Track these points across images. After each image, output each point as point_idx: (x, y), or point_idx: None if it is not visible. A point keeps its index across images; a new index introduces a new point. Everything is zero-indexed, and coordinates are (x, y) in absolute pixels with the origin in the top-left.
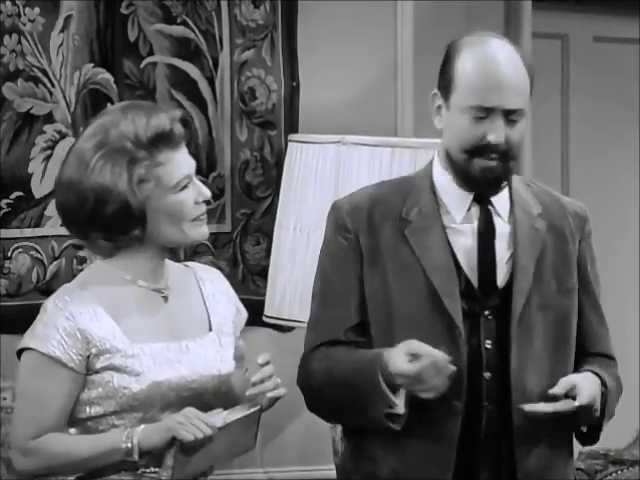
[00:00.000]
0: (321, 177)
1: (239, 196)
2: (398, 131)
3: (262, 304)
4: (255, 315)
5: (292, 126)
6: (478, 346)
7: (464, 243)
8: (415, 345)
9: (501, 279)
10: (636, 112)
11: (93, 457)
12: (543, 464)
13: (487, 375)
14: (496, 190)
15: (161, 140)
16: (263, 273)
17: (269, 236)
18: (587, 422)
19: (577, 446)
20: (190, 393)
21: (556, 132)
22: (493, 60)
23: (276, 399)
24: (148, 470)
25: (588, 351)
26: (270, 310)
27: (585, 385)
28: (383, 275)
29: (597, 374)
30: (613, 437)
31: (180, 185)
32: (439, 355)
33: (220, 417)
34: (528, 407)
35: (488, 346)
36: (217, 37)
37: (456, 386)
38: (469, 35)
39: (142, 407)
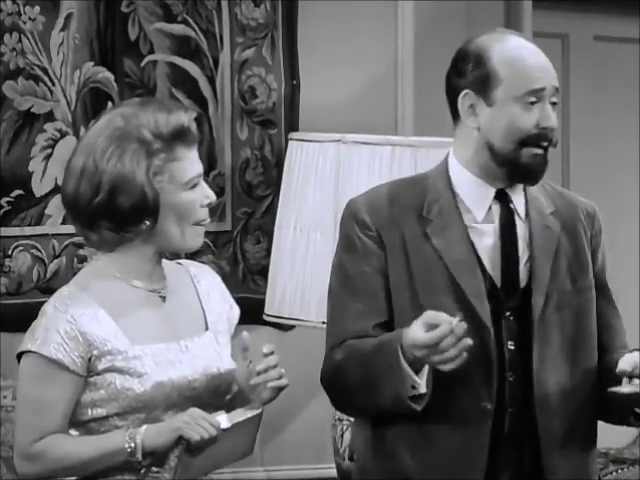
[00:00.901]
0: (321, 176)
1: (239, 195)
2: (398, 130)
3: (262, 303)
4: (255, 314)
5: (292, 125)
6: (502, 347)
7: (486, 242)
8: (431, 314)
9: (521, 279)
10: (636, 111)
11: (96, 458)
12: (569, 465)
13: (510, 377)
14: (537, 180)
15: (179, 136)
16: (263, 272)
17: (269, 235)
18: None
19: None
20: (192, 393)
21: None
22: (528, 47)
23: (280, 390)
24: (151, 471)
25: (610, 347)
26: (270, 309)
27: None
28: (408, 273)
29: None
30: (613, 436)
31: (191, 183)
32: (456, 323)
33: (224, 418)
34: (613, 389)
35: (511, 347)
36: (217, 36)
37: (486, 387)
38: (487, 34)
39: (145, 408)
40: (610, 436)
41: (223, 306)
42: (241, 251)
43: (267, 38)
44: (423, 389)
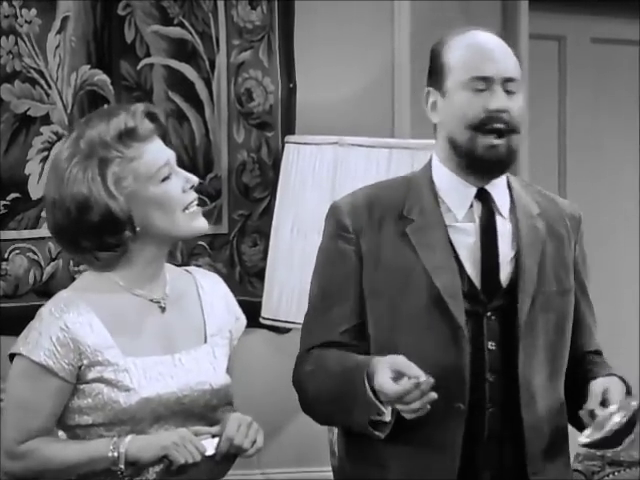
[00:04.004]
0: (318, 178)
1: (236, 197)
2: (395, 132)
3: (259, 305)
4: (252, 316)
5: (289, 127)
6: (481, 348)
7: (466, 242)
8: (400, 362)
9: (504, 279)
10: (634, 114)
11: (80, 463)
12: (552, 465)
13: (490, 377)
14: (502, 172)
15: (126, 136)
16: (260, 274)
17: (266, 237)
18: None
19: (573, 448)
20: (181, 407)
21: (553, 134)
22: (482, 38)
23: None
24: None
25: (584, 350)
26: (267, 312)
27: (615, 389)
28: (385, 274)
29: (619, 377)
30: None
31: (160, 175)
32: (423, 379)
33: (210, 444)
34: (584, 441)
35: (491, 347)
36: (214, 38)
37: (459, 388)
38: (454, 31)
39: (131, 421)
40: None
41: (227, 318)
42: (238, 253)
43: (264, 40)
44: (388, 417)
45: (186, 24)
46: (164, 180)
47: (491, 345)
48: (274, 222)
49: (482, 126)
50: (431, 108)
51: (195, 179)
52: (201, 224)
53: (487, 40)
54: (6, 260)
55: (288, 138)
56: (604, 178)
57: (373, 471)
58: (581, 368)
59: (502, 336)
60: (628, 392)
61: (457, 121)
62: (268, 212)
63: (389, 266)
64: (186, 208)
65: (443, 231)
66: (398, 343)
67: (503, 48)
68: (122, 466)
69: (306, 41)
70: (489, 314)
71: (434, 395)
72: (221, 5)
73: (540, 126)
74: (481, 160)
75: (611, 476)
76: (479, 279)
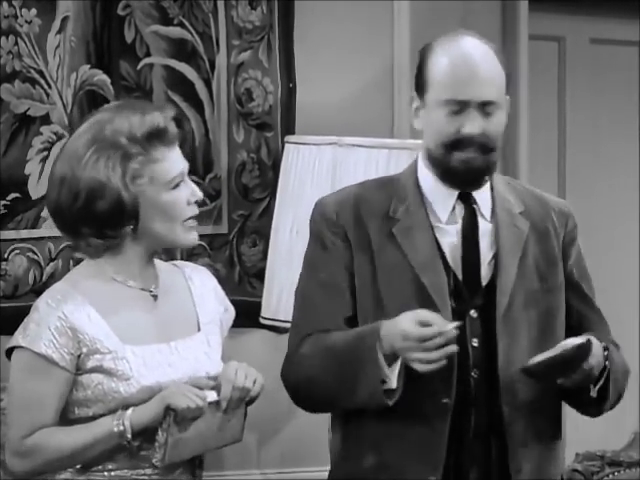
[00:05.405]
0: (318, 179)
1: (236, 198)
2: (395, 132)
3: (258, 305)
4: (251, 316)
5: (289, 127)
6: (465, 345)
7: (450, 242)
8: (426, 313)
9: (484, 278)
10: (633, 114)
11: (87, 445)
12: (534, 462)
13: (475, 373)
14: (478, 184)
15: (155, 137)
16: (259, 275)
17: (266, 238)
18: (588, 380)
19: (573, 448)
20: None
21: (553, 135)
22: (465, 55)
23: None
24: (142, 449)
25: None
26: (267, 312)
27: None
28: (372, 271)
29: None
30: (610, 439)
31: (174, 182)
32: (451, 327)
33: (211, 393)
34: (530, 362)
35: (475, 344)
36: (214, 38)
37: (446, 383)
38: (446, 36)
39: None
40: (606, 439)
41: (217, 308)
42: (237, 254)
43: (263, 41)
44: (394, 384)
45: (186, 24)
46: (174, 187)
47: (474, 342)
48: (274, 222)
49: (456, 145)
50: (414, 114)
51: (200, 195)
52: (194, 237)
53: (471, 56)
54: (6, 260)
55: (288, 138)
56: (603, 178)
57: (354, 455)
58: None
59: (484, 333)
60: (606, 353)
61: (433, 136)
62: (268, 212)
63: (377, 263)
64: (186, 221)
65: (429, 231)
66: None
67: (486, 65)
68: (129, 436)
69: (306, 41)
70: (472, 312)
71: (454, 348)
72: (221, 5)
73: (539, 126)
74: (456, 173)
75: (611, 476)
76: (461, 278)
